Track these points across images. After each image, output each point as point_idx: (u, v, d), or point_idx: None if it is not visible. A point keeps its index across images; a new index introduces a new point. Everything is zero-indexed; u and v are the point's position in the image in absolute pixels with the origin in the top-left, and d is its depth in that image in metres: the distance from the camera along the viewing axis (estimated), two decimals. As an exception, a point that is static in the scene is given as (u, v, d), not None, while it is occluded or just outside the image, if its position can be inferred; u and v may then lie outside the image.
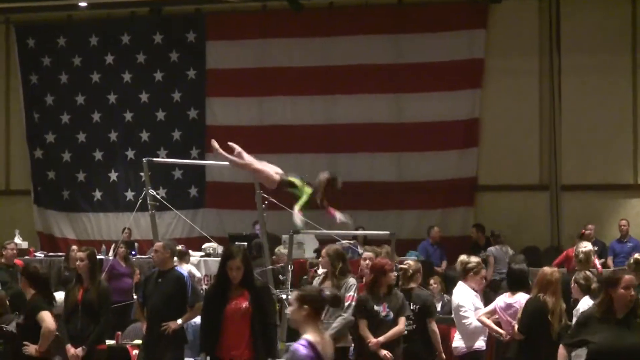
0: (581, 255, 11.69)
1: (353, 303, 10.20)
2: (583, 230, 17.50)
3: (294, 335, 11.72)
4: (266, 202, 12.69)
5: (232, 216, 20.71)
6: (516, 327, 9.87)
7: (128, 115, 21.70)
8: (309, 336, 6.20)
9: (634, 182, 19.42)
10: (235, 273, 8.41)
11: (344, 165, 20.55)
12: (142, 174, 13.33)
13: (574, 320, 9.96)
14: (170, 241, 11.41)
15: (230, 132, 20.89)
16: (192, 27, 21.36)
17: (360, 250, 14.50)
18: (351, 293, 10.21)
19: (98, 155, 21.82)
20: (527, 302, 9.91)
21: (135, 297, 13.58)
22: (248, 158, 10.42)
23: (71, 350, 10.31)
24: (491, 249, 18.02)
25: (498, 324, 10.37)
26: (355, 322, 10.28)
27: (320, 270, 11.77)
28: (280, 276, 13.28)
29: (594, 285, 10.15)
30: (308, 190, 10.43)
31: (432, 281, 14.59)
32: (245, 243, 15.54)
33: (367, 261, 11.02)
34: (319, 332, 6.26)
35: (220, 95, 21.32)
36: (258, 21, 21.01)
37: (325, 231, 13.43)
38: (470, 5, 20.07)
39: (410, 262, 11.25)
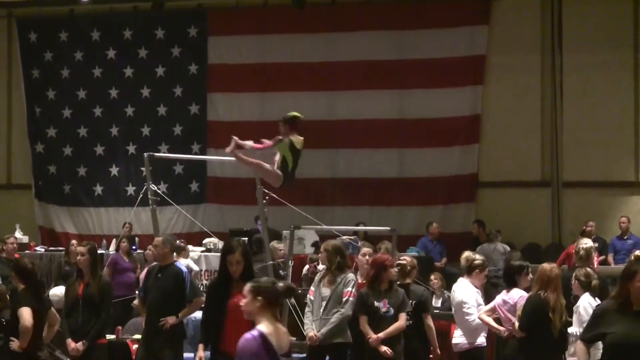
0: (582, 252, 11.68)
1: (351, 299, 10.16)
2: (584, 227, 17.50)
3: (294, 331, 11.77)
4: (267, 197, 12.70)
5: (233, 211, 20.72)
6: (516, 324, 9.87)
7: (129, 110, 21.70)
8: (262, 327, 6.30)
9: (636, 179, 19.41)
10: (235, 267, 8.40)
11: (346, 161, 20.59)
12: (143, 168, 13.36)
13: (574, 317, 10.00)
14: (169, 236, 11.42)
15: (231, 127, 20.85)
16: (194, 23, 21.36)
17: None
18: (349, 289, 10.18)
19: (99, 149, 21.83)
20: (528, 300, 9.89)
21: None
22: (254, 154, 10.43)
23: (72, 344, 10.33)
24: (483, 245, 17.93)
25: (498, 321, 10.37)
26: (356, 318, 10.28)
27: (321, 266, 11.79)
28: (280, 272, 13.30)
29: (595, 282, 10.15)
30: (282, 147, 11.32)
31: (432, 277, 14.59)
32: (246, 238, 15.54)
33: (367, 257, 10.99)
34: (274, 323, 6.35)
35: (221, 90, 21.32)
36: (260, 17, 21.00)
37: (325, 227, 13.47)
38: (472, 2, 20.08)
39: (407, 258, 11.25)
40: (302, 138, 11.35)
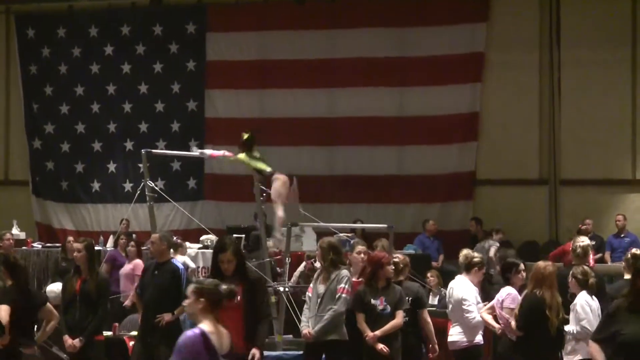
0: (579, 250, 11.67)
1: (344, 295, 10.07)
2: (580, 225, 17.49)
3: (291, 328, 11.79)
4: (264, 194, 12.70)
5: (230, 208, 20.71)
6: (512, 323, 9.87)
7: (127, 107, 21.69)
8: (203, 326, 6.40)
9: (633, 177, 19.41)
10: (227, 265, 8.31)
11: (344, 158, 20.60)
12: (140, 165, 13.36)
13: (571, 315, 9.99)
14: (166, 233, 11.42)
15: (229, 124, 20.90)
16: (192, 19, 21.34)
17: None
18: (342, 285, 10.08)
19: (97, 146, 21.81)
20: (524, 298, 9.89)
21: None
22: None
23: (69, 340, 10.33)
24: (478, 244, 17.88)
25: (495, 318, 10.37)
26: (353, 315, 10.26)
27: (317, 263, 11.77)
28: (278, 269, 13.30)
29: (592, 280, 10.14)
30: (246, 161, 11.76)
31: (429, 275, 14.58)
32: (244, 235, 15.56)
33: (362, 255, 10.94)
34: (215, 324, 6.46)
35: (220, 87, 21.30)
36: (260, 13, 20.98)
37: (323, 224, 13.46)
38: (471, -1, 20.12)
39: (399, 255, 11.25)
40: (255, 151, 12.02)
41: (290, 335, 12.13)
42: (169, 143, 20.99)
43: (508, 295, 10.38)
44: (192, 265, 15.51)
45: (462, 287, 10.73)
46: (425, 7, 20.26)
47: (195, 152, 13.50)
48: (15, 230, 18.77)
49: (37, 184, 22.20)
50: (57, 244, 18.77)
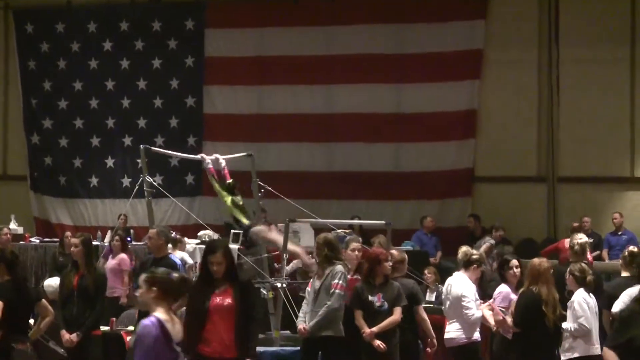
0: (576, 247, 11.69)
1: (337, 291, 10.03)
2: (574, 224, 17.45)
3: (288, 324, 11.78)
4: (262, 190, 12.69)
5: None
6: (508, 319, 9.87)
7: (125, 102, 21.68)
8: (158, 314, 6.51)
9: (631, 175, 19.43)
10: (217, 268, 8.18)
11: (343, 155, 20.59)
12: (139, 160, 13.36)
13: (569, 312, 9.98)
14: (164, 228, 11.41)
15: (228, 120, 20.94)
16: (191, 15, 21.32)
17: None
18: (336, 281, 10.05)
19: (95, 141, 21.80)
20: (520, 295, 9.90)
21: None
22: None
23: (66, 335, 10.32)
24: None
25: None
26: (351, 312, 10.26)
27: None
28: (275, 264, 13.30)
29: (590, 278, 10.14)
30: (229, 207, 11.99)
31: (426, 271, 14.57)
32: (242, 231, 15.52)
33: (356, 252, 10.91)
34: (169, 312, 6.58)
35: (218, 83, 21.29)
36: (257, 9, 20.97)
37: (320, 220, 13.45)
38: (470, -4, 20.11)
39: (393, 252, 11.23)
40: (239, 197, 12.06)
41: (288, 331, 12.13)
42: (168, 139, 20.99)
43: (499, 294, 10.39)
44: (190, 261, 15.48)
45: (461, 284, 10.67)
46: (424, 4, 20.25)
47: (198, 156, 13.54)
48: (13, 225, 18.79)
49: (35, 179, 22.20)
50: (55, 239, 18.78)
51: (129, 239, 17.77)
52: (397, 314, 10.20)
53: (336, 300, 10.04)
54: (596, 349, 9.90)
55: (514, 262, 10.55)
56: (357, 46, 20.43)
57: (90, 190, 21.85)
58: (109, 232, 17.70)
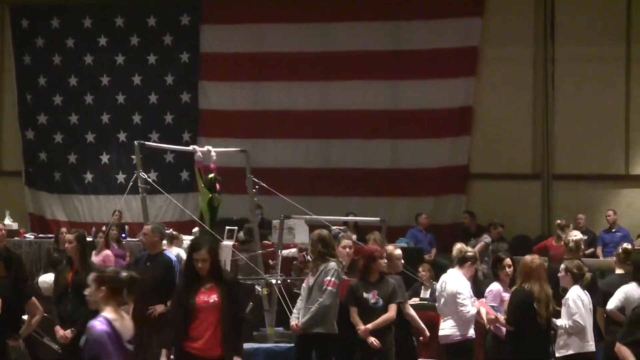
0: (571, 244, 11.69)
1: (329, 288, 9.95)
2: (558, 221, 17.00)
3: (283, 321, 11.77)
4: (257, 186, 12.68)
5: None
6: (501, 318, 9.86)
7: (120, 98, 21.66)
8: (106, 314, 6.51)
9: (626, 173, 19.45)
10: (202, 265, 8.18)
11: (338, 151, 20.58)
12: (133, 156, 13.32)
13: (563, 309, 9.99)
14: (159, 224, 11.39)
15: (223, 116, 20.92)
16: (187, 10, 21.31)
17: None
18: (329, 278, 9.97)
19: (90, 137, 21.78)
20: (513, 293, 9.90)
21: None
22: None
23: (60, 331, 10.30)
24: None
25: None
26: (347, 309, 10.25)
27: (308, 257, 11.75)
28: (270, 261, 13.29)
29: (588, 274, 10.12)
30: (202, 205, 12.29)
31: (421, 268, 14.55)
32: (236, 227, 15.54)
33: (347, 249, 10.88)
34: (118, 311, 6.58)
35: (213, 79, 21.28)
36: (253, 5, 20.96)
37: (315, 216, 13.44)
38: (466, -7, 20.10)
39: (389, 247, 11.19)
40: (220, 197, 12.26)
41: (281, 328, 12.11)
42: (162, 135, 20.97)
43: (490, 292, 10.38)
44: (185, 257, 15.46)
45: (456, 281, 10.61)
46: (420, 1, 20.25)
47: (190, 147, 13.55)
48: (7, 221, 18.76)
49: (30, 175, 22.17)
50: (50, 235, 18.76)
51: (123, 235, 17.77)
52: (392, 311, 10.18)
53: (328, 297, 9.96)
54: (590, 345, 9.92)
55: (507, 261, 10.52)
56: (353, 43, 20.42)
57: (84, 186, 21.83)
58: (103, 228, 17.69)
